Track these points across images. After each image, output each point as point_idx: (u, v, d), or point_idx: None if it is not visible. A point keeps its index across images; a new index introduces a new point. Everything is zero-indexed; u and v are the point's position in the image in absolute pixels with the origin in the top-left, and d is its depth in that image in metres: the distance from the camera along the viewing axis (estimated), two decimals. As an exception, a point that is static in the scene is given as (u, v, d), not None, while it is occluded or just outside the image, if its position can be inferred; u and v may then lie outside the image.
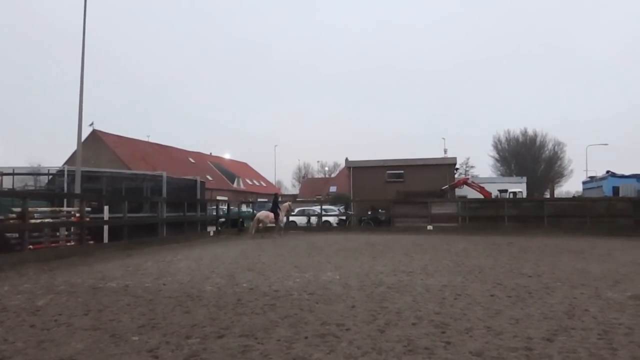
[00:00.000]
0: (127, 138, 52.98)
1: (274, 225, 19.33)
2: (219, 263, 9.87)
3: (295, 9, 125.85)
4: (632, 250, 12.16)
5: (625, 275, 7.73)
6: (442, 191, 31.44)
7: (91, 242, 13.13)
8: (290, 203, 21.75)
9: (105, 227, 14.44)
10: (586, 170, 52.62)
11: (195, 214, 19.27)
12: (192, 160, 60.46)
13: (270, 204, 20.44)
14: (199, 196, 20.06)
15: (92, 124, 47.97)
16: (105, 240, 14.21)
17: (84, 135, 42.89)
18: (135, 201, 16.80)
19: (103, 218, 14.24)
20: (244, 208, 27.52)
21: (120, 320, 4.84)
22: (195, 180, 20.43)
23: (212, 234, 19.67)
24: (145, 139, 57.78)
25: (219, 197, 41.40)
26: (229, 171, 66.00)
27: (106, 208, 14.31)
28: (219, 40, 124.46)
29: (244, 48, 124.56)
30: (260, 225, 18.63)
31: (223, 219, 23.39)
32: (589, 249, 12.62)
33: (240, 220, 23.55)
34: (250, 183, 70.11)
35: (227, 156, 74.01)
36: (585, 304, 5.52)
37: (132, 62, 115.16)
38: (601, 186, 32.62)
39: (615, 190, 29.42)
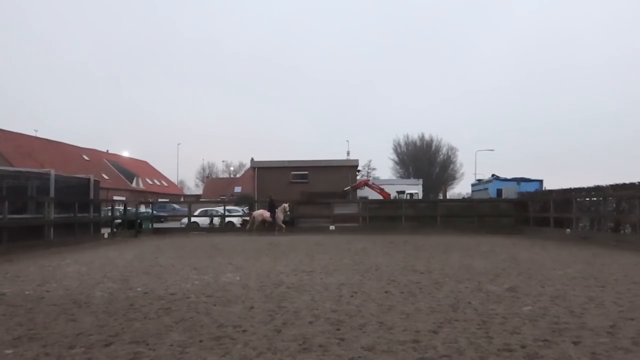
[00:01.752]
0: (10, 132, 48.25)
1: (268, 222, 21.59)
2: (112, 267, 9.33)
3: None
4: (512, 247, 13.36)
5: (504, 270, 8.48)
6: (345, 192, 32.27)
7: (-37, 246, 11.82)
8: (287, 204, 21.86)
9: (-19, 230, 13.04)
10: (475, 174, 56.59)
11: (88, 214, 18.03)
12: (87, 158, 56.53)
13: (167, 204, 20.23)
14: (92, 196, 18.79)
15: (-33, 116, 43.28)
16: (-19, 244, 12.83)
17: (-43, 128, 38.50)
18: (18, 201, 15.35)
19: (-22, 220, 12.86)
20: (142, 209, 26.25)
21: (-7, 332, 4.41)
22: (89, 179, 19.10)
23: (106, 236, 18.57)
24: (33, 134, 53.08)
25: (115, 197, 39.22)
26: (128, 170, 62.61)
27: (-18, 209, 12.94)
28: (118, 37, 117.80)
29: (149, 37, 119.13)
30: (254, 222, 21.13)
31: (119, 220, 22.17)
32: (475, 246, 13.66)
33: (138, 221, 22.44)
34: (150, 182, 67.06)
35: (125, 154, 70.17)
36: (468, 297, 5.97)
37: (24, 47, 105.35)
38: (487, 188, 35.20)
39: (499, 192, 31.93)
